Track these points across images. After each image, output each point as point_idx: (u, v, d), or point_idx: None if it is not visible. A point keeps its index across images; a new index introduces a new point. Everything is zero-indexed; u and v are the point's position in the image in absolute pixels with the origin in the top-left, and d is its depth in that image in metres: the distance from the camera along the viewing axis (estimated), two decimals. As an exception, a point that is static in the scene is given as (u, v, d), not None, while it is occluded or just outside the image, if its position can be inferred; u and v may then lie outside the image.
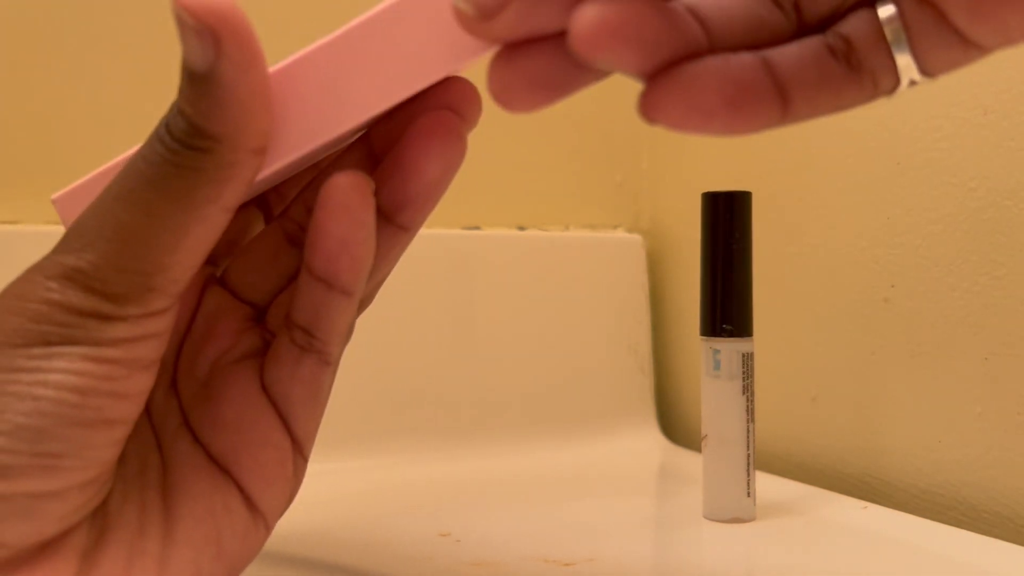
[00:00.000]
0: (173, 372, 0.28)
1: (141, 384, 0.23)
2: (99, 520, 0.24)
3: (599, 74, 0.22)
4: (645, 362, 0.65)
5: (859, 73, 0.22)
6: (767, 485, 0.49)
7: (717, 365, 0.43)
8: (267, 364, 0.27)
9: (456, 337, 0.60)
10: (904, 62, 0.22)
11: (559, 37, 0.21)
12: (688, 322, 0.65)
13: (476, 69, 0.25)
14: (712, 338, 0.43)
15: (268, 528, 0.27)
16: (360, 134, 0.28)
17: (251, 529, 0.27)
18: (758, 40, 0.22)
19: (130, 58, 0.55)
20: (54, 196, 0.26)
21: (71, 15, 0.54)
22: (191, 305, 0.28)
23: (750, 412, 0.43)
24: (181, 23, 0.22)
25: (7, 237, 0.51)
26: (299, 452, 0.27)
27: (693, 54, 0.21)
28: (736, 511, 0.43)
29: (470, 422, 0.59)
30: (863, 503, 0.47)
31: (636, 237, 0.67)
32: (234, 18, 0.22)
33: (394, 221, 0.27)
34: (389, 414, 0.57)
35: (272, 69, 0.23)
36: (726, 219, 0.43)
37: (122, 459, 0.25)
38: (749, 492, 0.43)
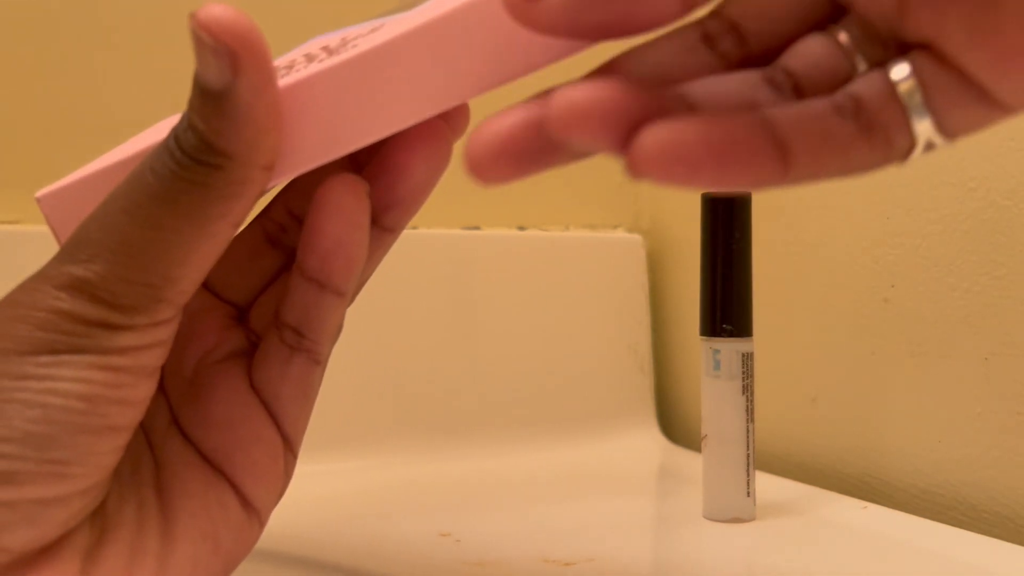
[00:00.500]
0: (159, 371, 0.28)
1: (146, 391, 0.23)
2: (98, 520, 0.24)
3: (574, 154, 0.21)
4: (645, 362, 0.65)
5: (870, 132, 0.20)
6: (767, 485, 0.49)
7: (717, 365, 0.43)
8: (256, 363, 0.27)
9: (456, 337, 0.60)
10: (923, 126, 0.20)
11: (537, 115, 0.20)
12: (688, 322, 0.65)
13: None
14: (712, 338, 0.43)
15: (262, 523, 0.27)
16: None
17: (245, 524, 0.27)
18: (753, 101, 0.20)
19: (130, 58, 0.55)
20: (39, 194, 0.26)
21: (71, 15, 0.54)
22: None
23: (750, 412, 0.43)
24: (198, 41, 0.22)
25: (7, 237, 0.51)
26: (289, 449, 0.28)
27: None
28: (736, 511, 0.43)
29: (470, 422, 0.59)
30: (863, 503, 0.47)
31: (636, 237, 0.67)
32: (252, 38, 0.22)
33: (379, 223, 0.27)
34: (389, 414, 0.57)
35: (286, 82, 0.23)
36: (726, 219, 0.43)
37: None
38: (749, 492, 0.43)
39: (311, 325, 0.27)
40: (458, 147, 0.26)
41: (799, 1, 0.22)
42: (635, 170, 0.18)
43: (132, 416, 0.23)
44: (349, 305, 0.30)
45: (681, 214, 0.66)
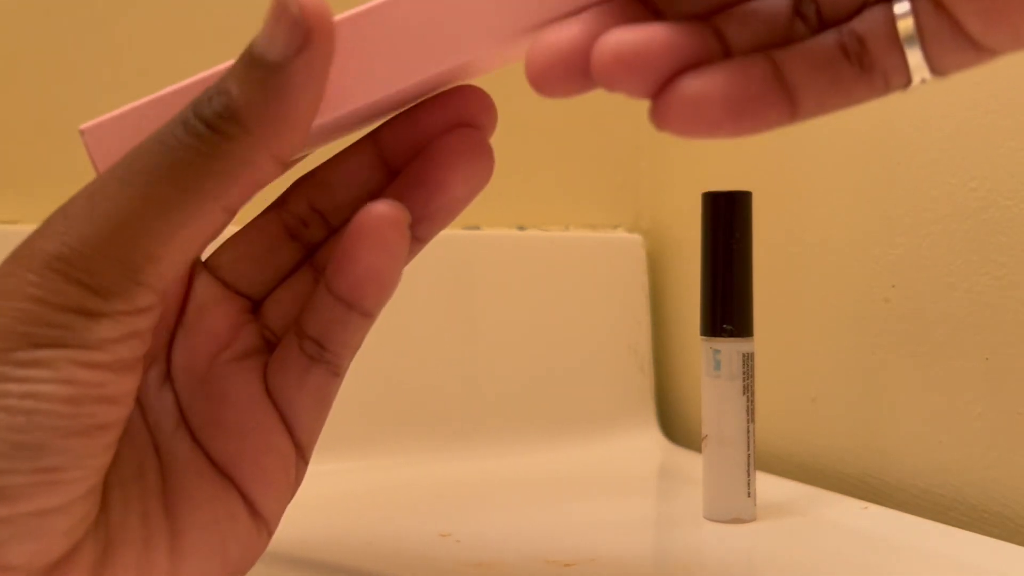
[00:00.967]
0: (167, 364, 0.27)
1: (128, 385, 0.23)
2: (102, 532, 0.23)
3: None
4: (645, 362, 0.65)
5: (871, 73, 0.22)
6: (767, 485, 0.49)
7: (717, 365, 0.43)
8: (273, 369, 0.27)
9: (456, 337, 0.60)
10: (916, 61, 0.22)
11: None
12: (688, 322, 0.65)
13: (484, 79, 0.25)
14: (712, 338, 0.43)
15: (270, 533, 0.27)
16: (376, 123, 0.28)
17: (254, 536, 0.26)
18: (775, 41, 0.22)
19: (130, 58, 0.55)
20: (83, 126, 0.24)
21: (71, 15, 0.54)
22: (179, 291, 0.27)
23: (750, 412, 0.43)
24: (282, 8, 0.21)
25: (7, 237, 0.50)
26: (301, 457, 0.27)
27: (705, 64, 0.22)
28: (736, 511, 0.43)
29: (470, 422, 0.59)
30: (863, 503, 0.46)
31: (636, 237, 0.67)
32: (329, 26, 0.22)
33: (411, 233, 0.27)
34: (389, 414, 0.57)
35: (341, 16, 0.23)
36: (726, 219, 0.43)
37: (117, 463, 0.24)
38: (749, 492, 0.43)
39: (334, 340, 0.26)
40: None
41: None
42: (660, 125, 0.21)
43: (119, 412, 0.22)
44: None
45: (681, 214, 0.66)
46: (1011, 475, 0.43)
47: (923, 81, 0.22)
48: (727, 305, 0.43)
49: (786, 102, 0.22)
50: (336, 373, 0.27)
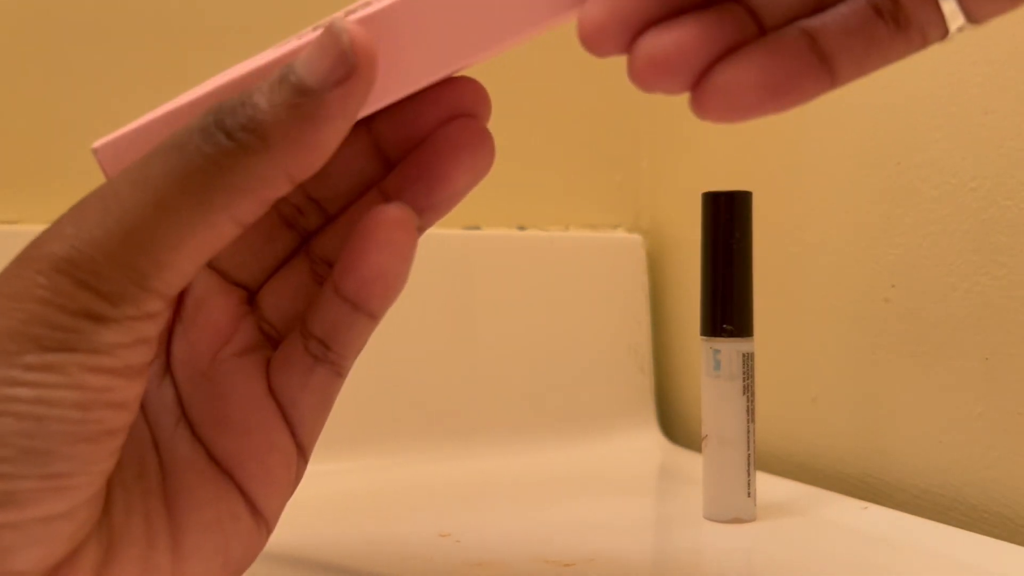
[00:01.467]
0: (166, 358, 0.27)
1: (136, 390, 0.23)
2: (105, 533, 0.23)
3: None
4: (645, 362, 0.65)
5: (907, 30, 0.22)
6: (767, 485, 0.49)
7: (717, 365, 0.43)
8: (276, 367, 0.27)
9: (456, 337, 0.59)
10: (951, 9, 0.22)
11: None
12: (688, 322, 0.65)
13: (477, 69, 0.25)
14: (712, 338, 0.43)
15: (269, 531, 0.27)
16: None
17: (255, 534, 0.26)
18: (806, 11, 0.23)
19: (130, 58, 0.55)
20: (96, 144, 0.24)
21: (71, 15, 0.54)
22: None
23: (750, 412, 0.43)
24: (334, 38, 0.22)
25: (7, 237, 0.50)
26: (302, 456, 0.27)
27: (741, 45, 0.22)
28: (736, 511, 0.43)
29: (470, 422, 0.59)
30: (863, 503, 0.46)
31: (636, 237, 0.67)
32: (373, 69, 0.22)
33: None
34: (389, 414, 0.57)
35: (373, 10, 0.23)
36: (726, 219, 0.43)
37: (120, 462, 0.24)
38: (749, 492, 0.43)
39: (339, 340, 0.26)
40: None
41: None
42: (701, 115, 0.22)
43: (127, 417, 0.22)
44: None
45: (681, 214, 0.66)
46: (1011, 475, 0.43)
47: (959, 30, 0.22)
48: (727, 305, 0.43)
49: (824, 72, 0.22)
50: (339, 373, 0.27)
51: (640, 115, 0.69)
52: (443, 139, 0.26)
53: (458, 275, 0.60)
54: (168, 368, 0.27)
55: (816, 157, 0.54)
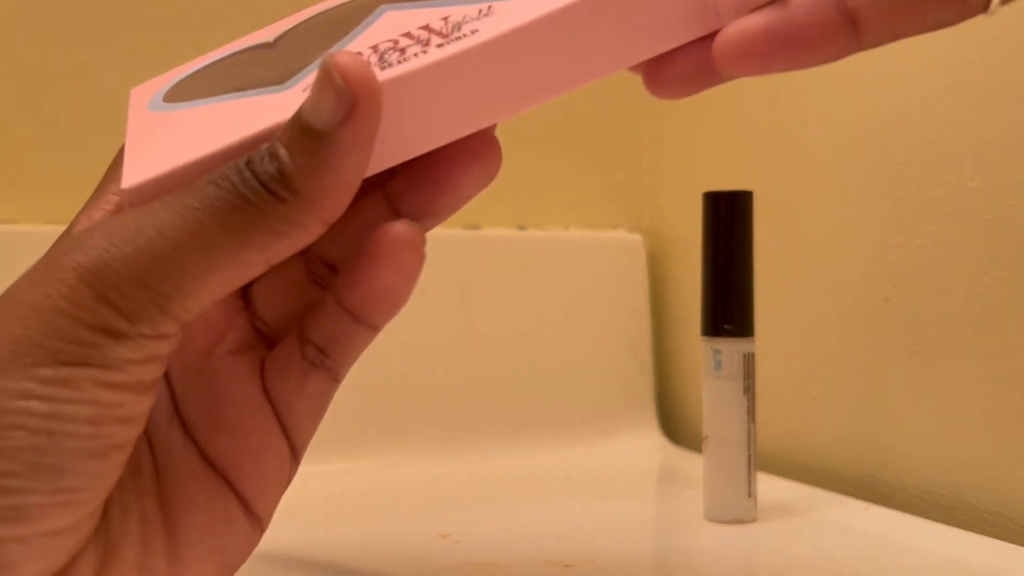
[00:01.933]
0: None
1: (146, 405, 0.23)
2: (102, 537, 0.23)
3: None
4: (645, 362, 0.65)
5: None
6: (768, 486, 0.49)
7: (718, 365, 0.43)
8: (271, 370, 0.27)
9: (456, 337, 0.59)
10: None
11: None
12: (688, 322, 0.65)
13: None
14: (713, 338, 0.43)
15: (263, 530, 0.27)
16: None
17: (249, 534, 0.26)
18: None
19: (130, 58, 0.55)
20: (124, 186, 0.24)
21: (72, 15, 0.54)
22: None
23: (751, 412, 0.43)
24: (327, 77, 0.22)
25: (7, 237, 0.51)
26: (294, 458, 0.27)
27: None
28: (737, 512, 0.43)
29: (470, 422, 0.59)
30: (864, 503, 0.46)
31: (636, 237, 0.67)
32: (375, 95, 0.22)
33: None
34: (389, 414, 0.57)
35: (412, 67, 0.23)
36: (726, 219, 0.43)
37: None
38: (750, 493, 0.43)
39: (338, 349, 0.26)
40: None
41: None
42: (720, 67, 0.22)
43: (135, 431, 0.23)
44: None
45: (681, 214, 0.66)
46: (1011, 475, 0.43)
47: (1002, 2, 0.21)
48: (727, 305, 0.43)
49: (846, 28, 0.22)
50: (335, 379, 0.27)
51: (640, 115, 0.69)
52: (452, 144, 0.26)
53: (458, 275, 0.60)
54: None
55: (816, 157, 0.54)
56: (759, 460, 0.45)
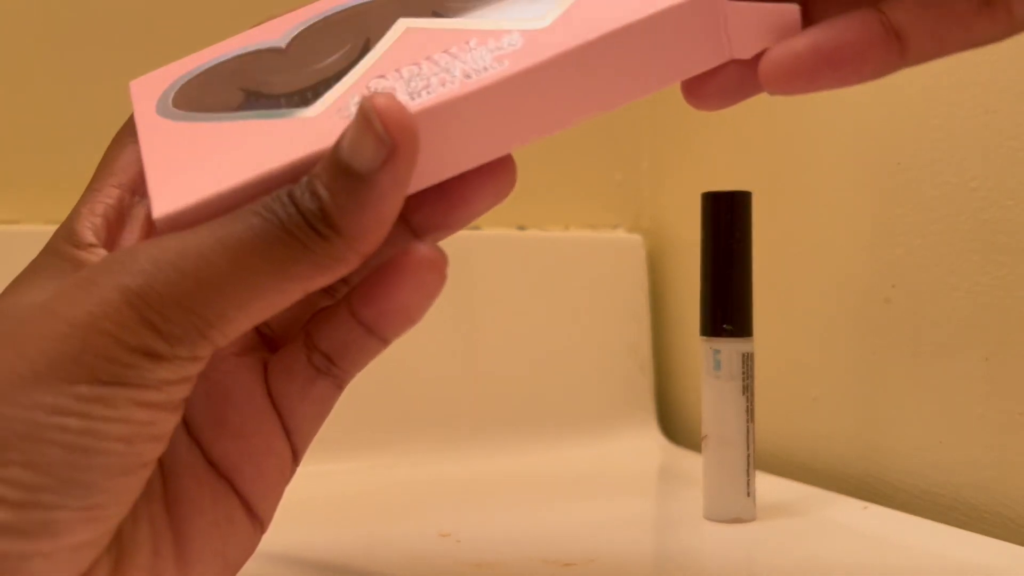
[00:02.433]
0: None
1: (174, 422, 0.23)
2: (115, 545, 0.23)
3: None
4: (645, 362, 0.65)
5: (991, 4, 0.21)
6: (767, 485, 0.49)
7: (717, 365, 0.43)
8: (276, 373, 0.27)
9: (456, 337, 0.59)
10: None
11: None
12: (688, 322, 0.65)
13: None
14: (712, 338, 0.43)
15: (263, 531, 0.27)
16: None
17: (251, 536, 0.27)
18: None
19: (130, 58, 0.55)
20: (155, 215, 0.24)
21: (72, 16, 0.54)
22: None
23: (750, 412, 0.43)
24: (366, 122, 0.22)
25: (7, 237, 0.51)
26: (295, 460, 0.27)
27: None
28: (736, 511, 0.43)
29: (470, 422, 0.59)
30: (863, 503, 0.46)
31: (636, 237, 0.67)
32: (414, 140, 0.22)
33: (420, 238, 0.27)
34: (389, 414, 0.57)
35: (417, 108, 0.23)
36: (726, 219, 0.43)
37: None
38: (749, 492, 0.43)
39: (346, 358, 0.27)
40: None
41: None
42: (765, 87, 0.22)
43: (162, 449, 0.23)
44: None
45: (681, 214, 0.66)
46: (1011, 475, 0.43)
47: None
48: (727, 305, 0.43)
49: (892, 44, 0.22)
50: (340, 386, 0.27)
51: (640, 115, 0.69)
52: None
53: (458, 275, 0.60)
54: None
55: (816, 157, 0.54)
56: (758, 459, 0.45)
